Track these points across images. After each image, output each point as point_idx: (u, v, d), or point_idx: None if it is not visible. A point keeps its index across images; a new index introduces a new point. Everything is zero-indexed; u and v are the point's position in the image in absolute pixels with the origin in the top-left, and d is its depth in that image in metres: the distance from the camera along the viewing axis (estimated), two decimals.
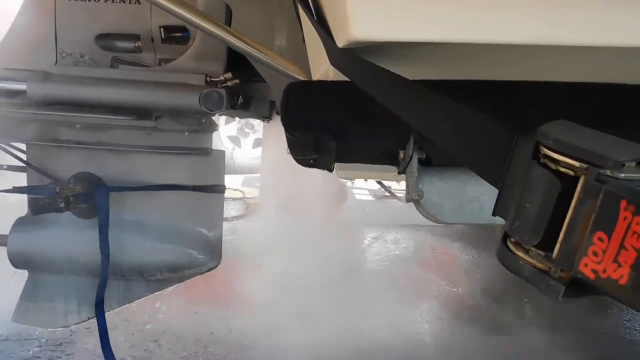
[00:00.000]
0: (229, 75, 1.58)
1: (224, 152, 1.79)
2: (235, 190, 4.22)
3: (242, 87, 1.64)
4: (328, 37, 0.80)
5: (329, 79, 0.93)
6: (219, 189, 1.79)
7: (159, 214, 1.77)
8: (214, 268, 1.83)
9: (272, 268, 2.93)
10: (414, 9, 0.65)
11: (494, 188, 0.73)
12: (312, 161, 1.04)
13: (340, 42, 0.75)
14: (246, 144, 5.08)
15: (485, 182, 0.74)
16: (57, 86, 1.59)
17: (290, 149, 1.03)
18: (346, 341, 2.31)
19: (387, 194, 3.93)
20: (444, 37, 0.65)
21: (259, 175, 4.21)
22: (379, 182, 3.72)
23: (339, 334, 2.35)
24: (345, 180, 3.92)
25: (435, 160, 1.02)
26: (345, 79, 0.84)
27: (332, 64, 0.83)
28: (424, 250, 3.35)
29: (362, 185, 4.22)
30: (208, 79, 1.58)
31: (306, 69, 1.36)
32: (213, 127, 1.75)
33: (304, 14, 1.16)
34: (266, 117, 1.82)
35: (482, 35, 0.64)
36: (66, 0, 1.63)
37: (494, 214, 0.68)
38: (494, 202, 0.71)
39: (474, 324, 2.48)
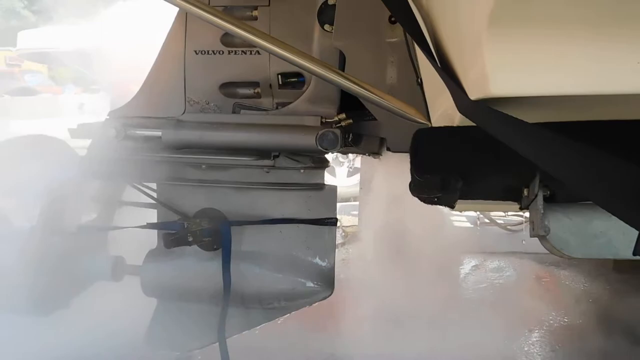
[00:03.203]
0: (342, 116, 1.68)
1: (335, 187, 1.88)
2: None
3: (354, 125, 1.73)
4: (458, 89, 0.86)
5: (454, 124, 0.99)
6: (332, 221, 1.88)
7: (276, 245, 1.89)
8: (327, 297, 1.91)
9: (371, 297, 2.97)
10: (552, 65, 0.70)
11: (621, 223, 0.76)
12: (436, 199, 1.10)
13: (474, 95, 0.81)
14: (341, 173, 5.21)
15: (611, 217, 0.77)
16: (188, 132, 1.76)
17: (414, 189, 1.10)
18: None
19: (487, 220, 3.89)
20: (583, 90, 0.70)
21: (354, 203, 4.28)
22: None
23: None
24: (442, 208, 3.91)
25: (559, 196, 1.05)
26: (471, 123, 0.90)
27: (460, 112, 0.89)
28: (530, 279, 3.26)
29: (460, 212, 4.20)
30: (323, 120, 1.69)
31: (417, 106, 1.43)
32: (325, 163, 1.86)
33: (423, 61, 1.24)
34: (376, 153, 1.90)
35: (622, 87, 0.68)
36: (194, 54, 1.80)
37: (635, 254, 0.70)
38: (623, 236, 0.74)
39: (589, 357, 2.39)
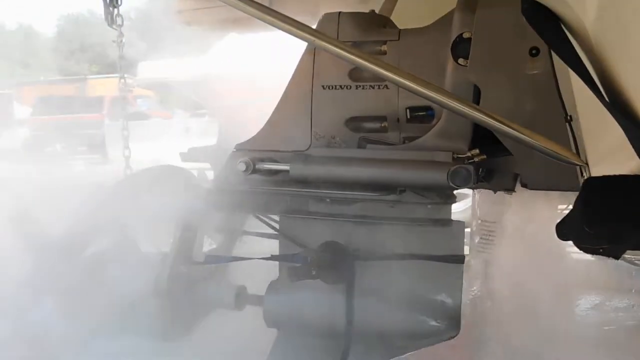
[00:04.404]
0: (476, 151, 1.61)
1: (463, 222, 1.81)
2: None
3: (486, 161, 1.66)
4: None
5: (628, 171, 0.91)
6: (459, 258, 1.80)
7: (400, 281, 1.83)
8: (454, 337, 1.82)
9: (483, 334, 2.82)
10: None
11: None
12: (601, 250, 1.02)
13: None
14: None
15: None
16: (316, 167, 1.76)
17: (577, 239, 1.02)
18: None
19: None
20: None
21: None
22: None
23: None
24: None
25: None
26: None
27: None
28: None
29: None
30: (455, 155, 1.63)
31: (560, 142, 1.33)
32: (453, 198, 1.79)
33: (579, 97, 1.16)
34: (509, 190, 1.81)
35: None
36: (321, 89, 1.82)
37: None
38: None
39: None
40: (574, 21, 0.99)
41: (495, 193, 1.99)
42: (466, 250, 3.85)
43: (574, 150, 1.33)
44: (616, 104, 0.91)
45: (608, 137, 0.96)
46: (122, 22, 2.00)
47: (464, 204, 4.62)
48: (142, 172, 2.30)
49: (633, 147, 0.82)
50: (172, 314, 2.05)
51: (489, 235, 3.39)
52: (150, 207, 2.12)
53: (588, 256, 3.86)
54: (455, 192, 1.74)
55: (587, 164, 1.19)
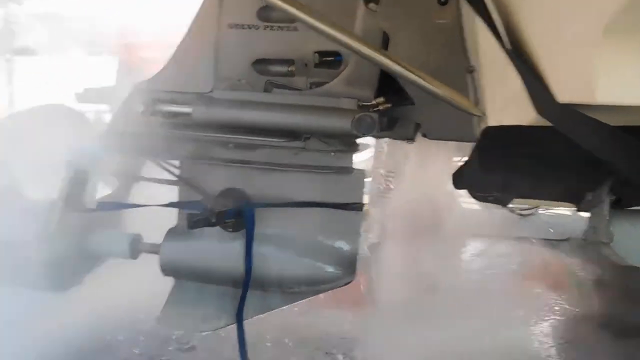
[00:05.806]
0: (381, 99, 1.62)
1: (364, 171, 1.83)
2: None
3: (390, 109, 1.68)
4: (543, 90, 0.82)
5: (524, 122, 0.95)
6: (358, 206, 1.84)
7: (300, 229, 1.84)
8: (349, 283, 1.87)
9: (376, 281, 2.95)
10: None
11: None
12: (492, 198, 1.07)
13: (564, 99, 0.77)
14: None
15: None
16: (219, 110, 1.70)
17: (471, 187, 1.06)
18: None
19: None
20: None
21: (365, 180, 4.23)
22: None
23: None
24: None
25: (625, 203, 1.02)
26: (545, 123, 0.86)
27: (539, 113, 0.85)
28: (538, 266, 3.26)
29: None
30: (360, 103, 1.63)
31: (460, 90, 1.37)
32: (356, 147, 1.80)
33: (484, 47, 1.19)
34: (410, 139, 1.84)
35: None
36: (227, 28, 1.73)
37: None
38: None
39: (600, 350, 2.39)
40: None
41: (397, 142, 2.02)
42: (366, 199, 3.98)
43: (475, 101, 1.38)
44: (518, 53, 0.94)
45: (506, 89, 1.00)
46: None
47: (367, 154, 4.72)
48: (26, 112, 2.11)
49: (529, 95, 0.85)
50: (61, 263, 1.94)
51: (388, 184, 3.51)
52: (35, 149, 1.96)
53: (476, 205, 4.12)
54: (357, 142, 1.77)
55: (484, 114, 1.23)
